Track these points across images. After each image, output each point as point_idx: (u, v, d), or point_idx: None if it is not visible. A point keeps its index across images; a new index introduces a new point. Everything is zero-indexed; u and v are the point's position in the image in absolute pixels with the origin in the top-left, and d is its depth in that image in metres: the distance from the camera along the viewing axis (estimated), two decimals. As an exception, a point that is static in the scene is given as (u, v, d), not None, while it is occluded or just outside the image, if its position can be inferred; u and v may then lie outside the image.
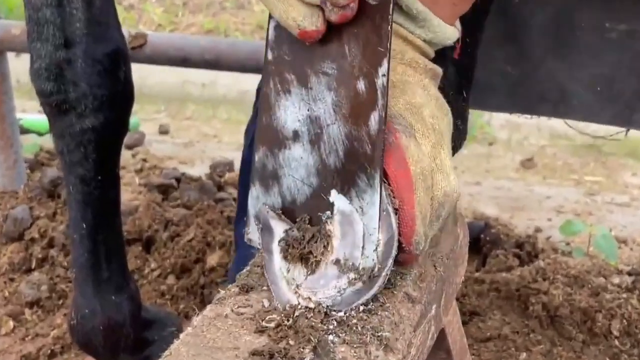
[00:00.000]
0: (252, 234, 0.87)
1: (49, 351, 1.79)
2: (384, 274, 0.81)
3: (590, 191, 2.79)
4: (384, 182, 0.82)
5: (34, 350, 1.79)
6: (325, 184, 0.83)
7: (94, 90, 1.32)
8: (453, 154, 1.05)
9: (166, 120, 3.42)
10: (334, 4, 0.79)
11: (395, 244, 0.82)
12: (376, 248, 0.81)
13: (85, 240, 1.40)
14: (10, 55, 2.33)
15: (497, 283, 1.95)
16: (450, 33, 0.96)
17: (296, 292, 0.83)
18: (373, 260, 0.81)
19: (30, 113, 2.78)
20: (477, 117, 3.14)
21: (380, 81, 0.81)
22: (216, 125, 3.35)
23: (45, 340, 1.83)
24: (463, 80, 1.28)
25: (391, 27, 0.80)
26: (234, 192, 2.44)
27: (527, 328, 1.82)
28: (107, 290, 1.44)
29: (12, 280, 2.02)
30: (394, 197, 0.82)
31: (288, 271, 0.84)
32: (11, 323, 1.90)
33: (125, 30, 2.14)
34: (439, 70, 0.98)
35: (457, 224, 1.03)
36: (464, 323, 1.80)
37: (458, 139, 1.29)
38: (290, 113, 0.84)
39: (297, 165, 0.84)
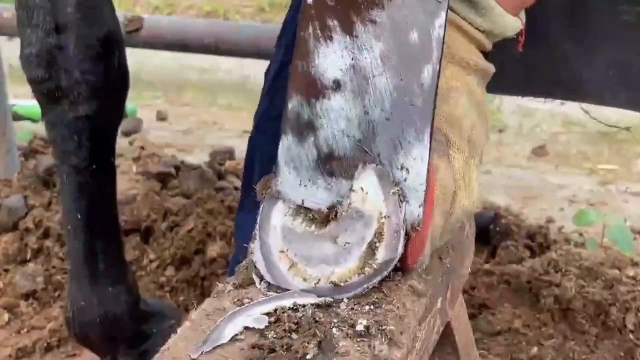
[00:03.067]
0: (284, 186, 0.84)
1: (45, 344, 1.80)
2: (374, 280, 0.80)
3: (604, 180, 2.76)
4: (422, 206, 0.80)
5: (29, 344, 1.79)
6: (368, 137, 0.80)
7: (86, 77, 1.31)
8: None
9: (164, 107, 3.40)
10: None
11: (395, 261, 0.80)
12: (420, 206, 0.79)
13: (80, 232, 1.40)
14: (2, 40, 2.31)
15: (507, 275, 1.94)
16: (511, 24, 0.91)
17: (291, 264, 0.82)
18: (418, 215, 0.79)
19: (24, 99, 2.75)
20: (487, 103, 3.11)
21: (436, 32, 0.77)
22: (216, 112, 3.35)
23: (41, 333, 1.83)
24: None
25: None
26: (234, 180, 2.43)
27: (539, 321, 1.81)
28: (103, 282, 1.44)
29: (6, 271, 2.02)
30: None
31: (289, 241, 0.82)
32: (6, 315, 1.90)
33: (121, 14, 2.12)
34: (491, 69, 0.93)
35: (464, 215, 1.00)
36: (473, 316, 1.78)
37: None
38: (332, 61, 0.81)
39: (337, 116, 0.81)
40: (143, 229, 2.09)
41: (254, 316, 0.76)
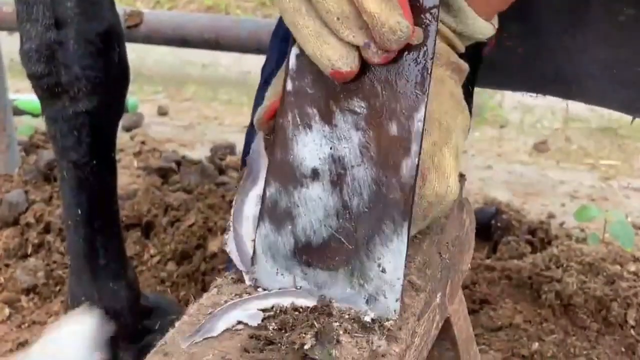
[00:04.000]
0: (260, 274, 0.82)
1: (46, 339, 1.76)
2: None
3: (605, 176, 2.75)
4: (399, 301, 0.79)
5: (30, 338, 1.77)
6: (346, 228, 0.79)
7: (86, 72, 1.30)
8: None
9: (165, 102, 3.39)
10: (382, 48, 0.73)
11: None
12: (396, 300, 0.78)
13: (81, 227, 1.39)
14: (2, 34, 2.31)
15: (508, 270, 1.93)
16: (483, 28, 0.91)
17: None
18: (395, 310, 0.78)
19: (25, 93, 2.74)
20: (489, 99, 3.11)
21: (415, 127, 0.76)
22: (217, 107, 3.33)
23: (42, 328, 1.83)
24: (468, 74, 1.25)
25: (432, 69, 0.76)
26: (235, 175, 2.42)
27: (540, 317, 1.81)
28: (104, 277, 1.44)
29: (7, 266, 2.02)
30: None
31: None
32: (7, 310, 1.89)
33: (121, 9, 2.11)
34: (465, 66, 0.93)
35: (463, 210, 1.01)
36: (474, 311, 1.78)
37: None
38: (310, 150, 0.79)
39: (315, 206, 0.79)
40: (144, 224, 2.09)
41: (250, 311, 0.76)
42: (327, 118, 0.79)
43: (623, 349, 1.74)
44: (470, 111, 1.31)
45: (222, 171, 2.46)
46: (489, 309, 1.82)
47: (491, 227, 2.14)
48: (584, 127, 3.11)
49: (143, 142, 2.74)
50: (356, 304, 0.79)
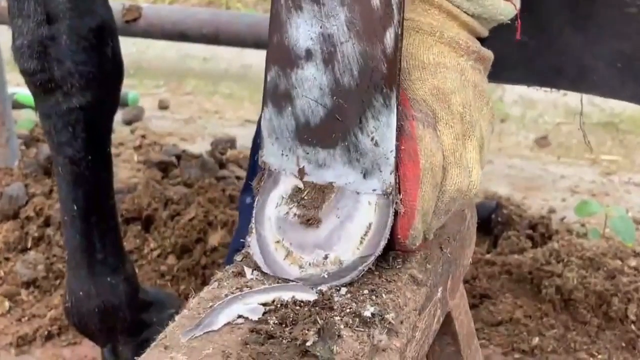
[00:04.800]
0: (268, 156, 0.85)
1: (46, 332, 1.79)
2: (369, 261, 0.81)
3: (606, 171, 2.74)
4: (394, 173, 0.80)
5: (30, 332, 1.78)
6: (340, 105, 0.81)
7: (79, 67, 1.28)
8: None
9: (166, 96, 3.38)
10: None
11: (386, 235, 0.81)
12: (391, 173, 0.80)
13: (77, 222, 1.39)
14: (2, 28, 2.30)
15: (509, 265, 1.93)
16: (503, 8, 0.90)
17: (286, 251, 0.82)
18: (390, 183, 0.79)
19: (25, 87, 2.72)
20: (490, 93, 3.09)
21: None
22: (218, 101, 3.33)
23: (42, 322, 1.82)
24: None
25: None
26: (236, 169, 2.42)
27: (540, 312, 1.81)
28: (101, 272, 1.43)
29: (7, 259, 2.01)
30: (398, 189, 0.81)
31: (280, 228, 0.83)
32: (7, 303, 1.89)
33: (119, 3, 2.10)
34: (488, 54, 0.92)
35: (465, 205, 0.99)
36: (475, 306, 1.78)
37: None
38: (303, 31, 0.81)
39: (311, 86, 0.82)
40: (144, 218, 2.08)
41: (251, 305, 0.76)
42: None
43: (623, 344, 1.74)
44: None
45: (222, 165, 2.45)
46: (489, 304, 1.82)
47: (492, 221, 2.14)
48: (585, 122, 3.09)
49: (143, 136, 2.74)
50: (355, 182, 0.81)
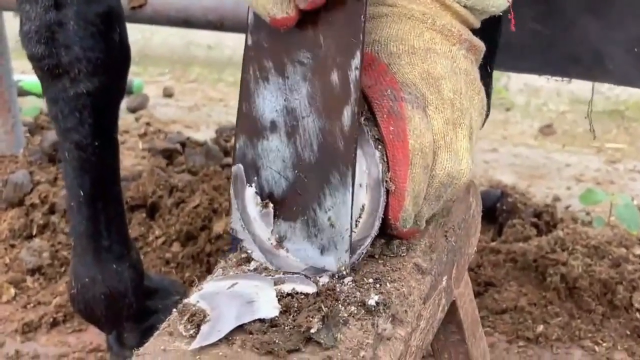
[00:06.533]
0: (235, 222, 0.85)
1: (51, 319, 1.79)
2: (366, 243, 0.81)
3: (611, 159, 2.73)
4: (380, 150, 0.81)
5: (35, 319, 1.78)
6: (300, 179, 0.81)
7: (87, 53, 1.28)
8: None
9: (170, 83, 3.38)
10: None
11: (380, 215, 0.81)
12: (346, 251, 0.79)
13: (83, 208, 1.38)
14: (7, 15, 2.29)
15: (513, 253, 1.92)
16: (495, 0, 0.90)
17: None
18: (344, 261, 0.80)
19: (30, 74, 2.72)
20: (494, 82, 3.08)
21: (353, 74, 0.78)
22: (222, 89, 3.32)
23: (47, 308, 1.82)
24: (487, 53, 1.22)
25: (365, 18, 0.78)
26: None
27: (545, 300, 1.80)
28: (107, 259, 1.42)
29: (12, 246, 2.01)
30: (387, 169, 0.81)
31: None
32: (12, 290, 1.89)
33: (126, -11, 2.09)
34: (480, 44, 0.91)
35: (469, 193, 1.01)
36: (479, 294, 1.78)
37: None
38: (269, 102, 0.82)
39: (275, 157, 0.83)
40: (149, 205, 2.08)
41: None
42: (281, 70, 0.81)
43: (628, 332, 1.73)
44: (489, 93, 1.29)
45: (227, 153, 2.45)
46: (494, 292, 1.81)
47: (496, 210, 2.13)
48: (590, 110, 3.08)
49: (148, 124, 2.73)
50: (313, 258, 0.81)
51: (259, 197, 0.84)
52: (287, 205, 0.82)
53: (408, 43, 0.85)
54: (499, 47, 1.21)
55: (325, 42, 0.79)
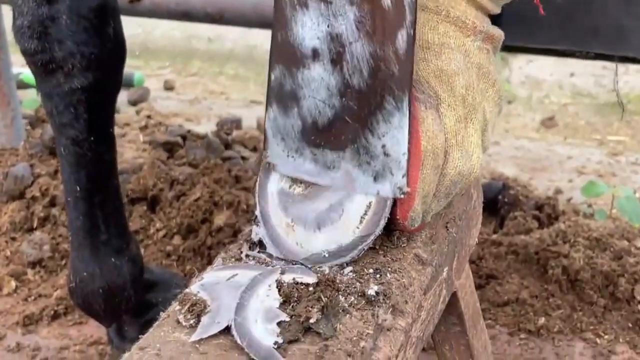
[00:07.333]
0: (273, 157, 0.83)
1: (52, 312, 1.79)
2: (368, 240, 0.80)
3: (613, 151, 2.72)
4: (406, 176, 0.79)
5: (36, 311, 1.78)
6: (349, 106, 0.79)
7: (80, 48, 1.27)
8: None
9: (171, 76, 3.38)
10: None
11: (386, 214, 0.80)
12: (403, 176, 0.78)
13: (80, 203, 1.37)
14: (6, 9, 2.29)
15: (515, 246, 1.92)
16: None
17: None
18: (401, 187, 0.78)
19: (30, 67, 2.73)
20: (497, 74, 3.07)
21: None
22: (223, 82, 3.32)
23: (48, 301, 1.82)
24: None
25: None
26: (241, 150, 2.43)
27: (546, 292, 1.80)
28: (106, 253, 1.42)
29: (13, 239, 2.01)
30: None
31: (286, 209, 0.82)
32: (13, 283, 1.89)
33: (124, -19, 2.08)
34: (498, 32, 0.90)
35: (471, 185, 0.99)
36: (481, 286, 1.77)
37: None
38: (309, 29, 0.79)
39: (318, 86, 0.79)
40: (150, 198, 2.08)
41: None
42: None
43: (630, 325, 1.73)
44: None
45: (227, 145, 2.45)
46: (496, 284, 1.81)
47: (498, 202, 2.13)
48: (592, 102, 3.08)
49: (149, 117, 2.73)
50: (365, 185, 0.79)
51: (286, 180, 0.82)
52: (335, 134, 0.80)
53: (422, 38, 0.84)
54: (510, 25, 1.18)
55: None
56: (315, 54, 0.79)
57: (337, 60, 0.78)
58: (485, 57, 0.89)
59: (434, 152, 0.80)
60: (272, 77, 0.81)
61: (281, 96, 0.81)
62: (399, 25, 0.76)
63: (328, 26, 0.78)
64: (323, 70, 0.79)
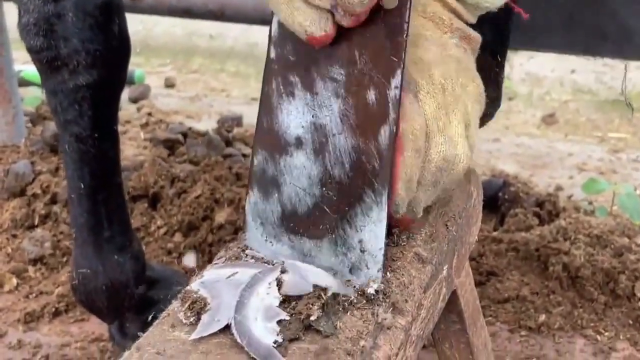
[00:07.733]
0: (250, 240, 0.83)
1: (54, 309, 1.79)
2: None
3: (614, 148, 2.72)
4: (381, 272, 0.79)
5: (38, 308, 1.78)
6: (329, 196, 0.79)
7: (86, 45, 1.27)
8: (485, 122, 0.98)
9: (172, 73, 3.37)
10: (347, 11, 0.72)
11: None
12: (378, 270, 0.77)
13: (84, 200, 1.38)
14: (7, 6, 2.28)
15: (515, 243, 1.92)
16: None
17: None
18: (377, 279, 0.77)
19: (32, 65, 2.72)
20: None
21: (392, 93, 0.76)
22: (224, 79, 3.31)
23: (49, 298, 1.82)
24: (497, 41, 1.20)
25: (407, 35, 0.75)
26: (242, 147, 2.43)
27: (547, 289, 1.80)
28: (109, 250, 1.42)
29: (14, 236, 2.01)
30: None
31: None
32: (14, 280, 1.88)
33: (126, -22, 2.08)
34: (475, 35, 0.90)
35: (470, 181, 1.01)
36: (481, 284, 1.78)
37: (492, 106, 1.22)
38: (294, 118, 0.80)
39: (299, 174, 0.80)
40: (150, 195, 2.08)
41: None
42: (309, 86, 0.79)
43: (630, 322, 1.73)
44: (499, 83, 1.27)
45: (228, 143, 2.44)
46: (496, 281, 1.81)
47: (499, 199, 2.13)
48: (593, 99, 3.08)
49: (150, 114, 2.73)
50: (341, 274, 0.79)
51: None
52: (313, 223, 0.80)
53: None
54: (510, 35, 1.19)
55: (361, 59, 0.77)
56: (299, 142, 0.80)
57: (319, 150, 0.79)
58: (464, 54, 0.89)
59: (412, 134, 0.80)
60: (255, 161, 0.82)
61: (263, 181, 0.82)
62: (382, 121, 0.77)
63: (313, 116, 0.79)
64: (306, 159, 0.80)
